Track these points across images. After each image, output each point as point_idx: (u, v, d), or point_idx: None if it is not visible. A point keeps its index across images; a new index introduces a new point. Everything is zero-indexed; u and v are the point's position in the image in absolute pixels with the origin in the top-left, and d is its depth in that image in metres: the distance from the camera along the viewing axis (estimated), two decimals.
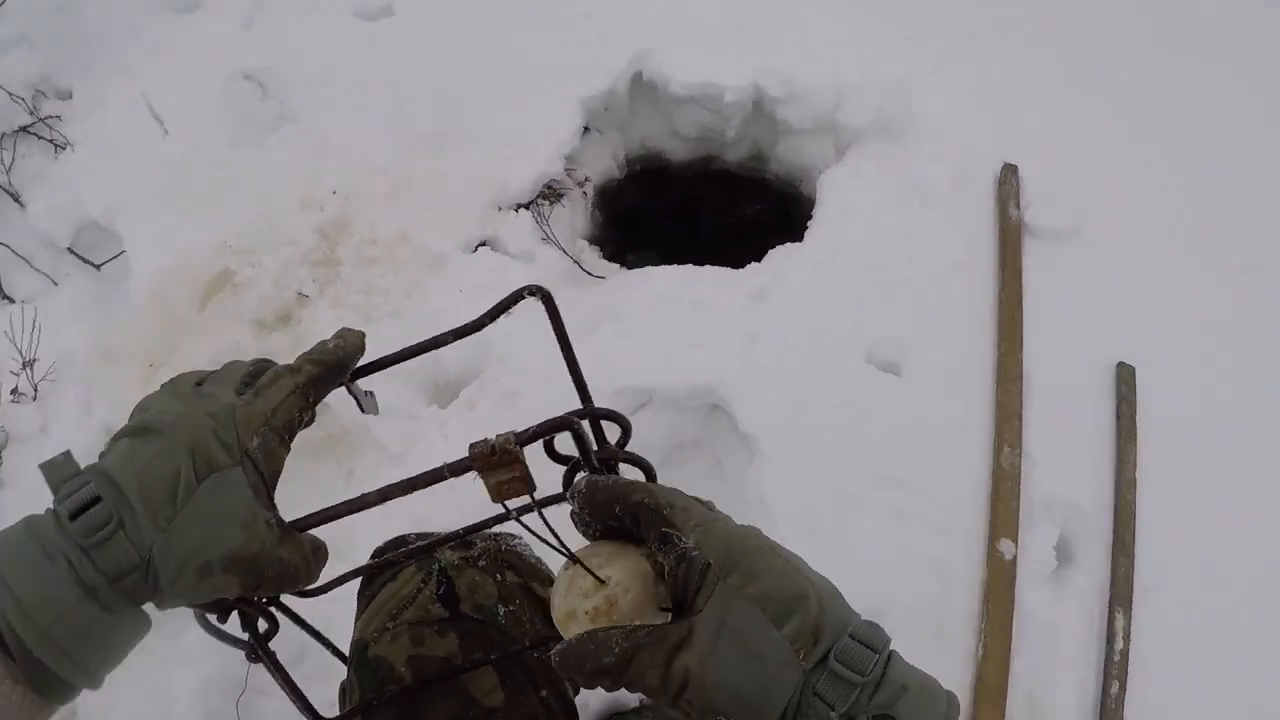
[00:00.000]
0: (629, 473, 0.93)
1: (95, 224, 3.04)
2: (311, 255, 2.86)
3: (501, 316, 0.99)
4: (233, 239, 2.89)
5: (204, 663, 2.28)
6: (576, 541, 0.86)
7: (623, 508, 0.80)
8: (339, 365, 0.89)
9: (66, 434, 2.69)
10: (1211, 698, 2.19)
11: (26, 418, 2.76)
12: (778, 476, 2.39)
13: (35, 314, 2.81)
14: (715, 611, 0.72)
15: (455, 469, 0.85)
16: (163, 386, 0.84)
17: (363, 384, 1.00)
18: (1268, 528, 2.41)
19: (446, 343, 0.95)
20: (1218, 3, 3.56)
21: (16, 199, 3.14)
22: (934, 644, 2.23)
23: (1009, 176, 2.98)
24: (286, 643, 0.98)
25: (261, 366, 0.88)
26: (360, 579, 1.32)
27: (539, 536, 0.85)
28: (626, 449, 0.92)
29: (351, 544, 2.11)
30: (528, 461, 0.84)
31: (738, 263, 2.86)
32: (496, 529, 1.43)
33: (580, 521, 0.85)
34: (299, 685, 0.99)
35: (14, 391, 2.76)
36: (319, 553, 0.87)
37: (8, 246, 3.04)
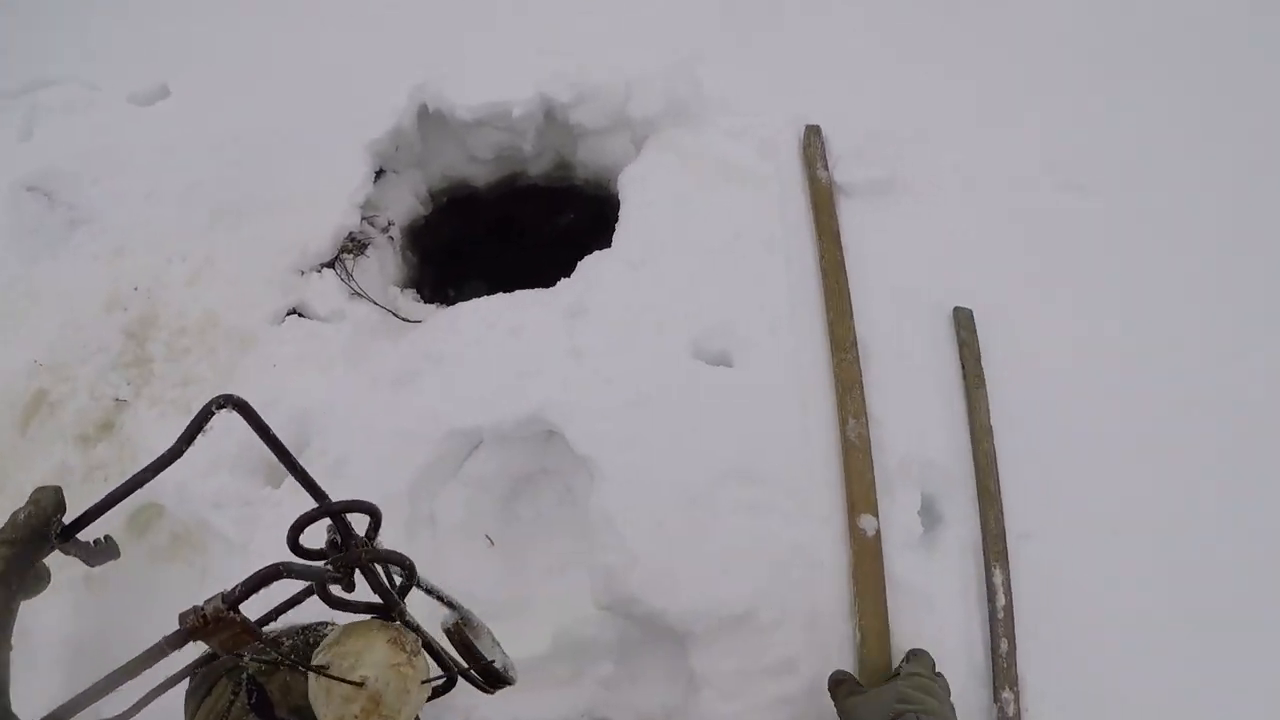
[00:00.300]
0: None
1: None
2: (122, 358, 2.76)
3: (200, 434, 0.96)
4: (42, 355, 2.80)
5: None
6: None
7: None
8: (37, 536, 0.85)
9: None
10: (1100, 640, 2.17)
11: None
12: (621, 492, 2.31)
13: None
14: None
15: (172, 642, 0.83)
16: None
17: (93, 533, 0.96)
18: (1129, 451, 2.41)
19: (148, 479, 0.92)
20: None
21: None
22: (809, 635, 2.16)
23: (813, 138, 2.93)
24: None
25: None
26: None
27: (276, 663, 0.88)
28: (376, 542, 0.91)
29: None
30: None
31: (559, 277, 2.79)
32: (303, 623, 1.43)
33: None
34: None
35: None
36: None
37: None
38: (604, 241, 2.84)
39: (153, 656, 0.84)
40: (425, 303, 3.00)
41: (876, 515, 2.26)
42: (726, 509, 2.29)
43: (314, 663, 0.91)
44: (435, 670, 0.98)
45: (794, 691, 2.13)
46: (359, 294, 2.82)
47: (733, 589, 2.19)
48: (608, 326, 2.59)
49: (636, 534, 2.25)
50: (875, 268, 2.70)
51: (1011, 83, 3.15)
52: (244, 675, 1.28)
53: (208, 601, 0.81)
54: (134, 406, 2.72)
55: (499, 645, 1.07)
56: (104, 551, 0.99)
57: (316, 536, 0.95)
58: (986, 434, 2.41)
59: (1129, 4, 3.36)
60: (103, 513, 0.91)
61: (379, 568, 0.92)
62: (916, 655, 2.00)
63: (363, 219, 2.97)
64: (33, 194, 3.13)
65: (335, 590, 0.91)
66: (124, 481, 0.92)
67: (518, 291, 2.74)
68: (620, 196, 2.91)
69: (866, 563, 2.19)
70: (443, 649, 1.01)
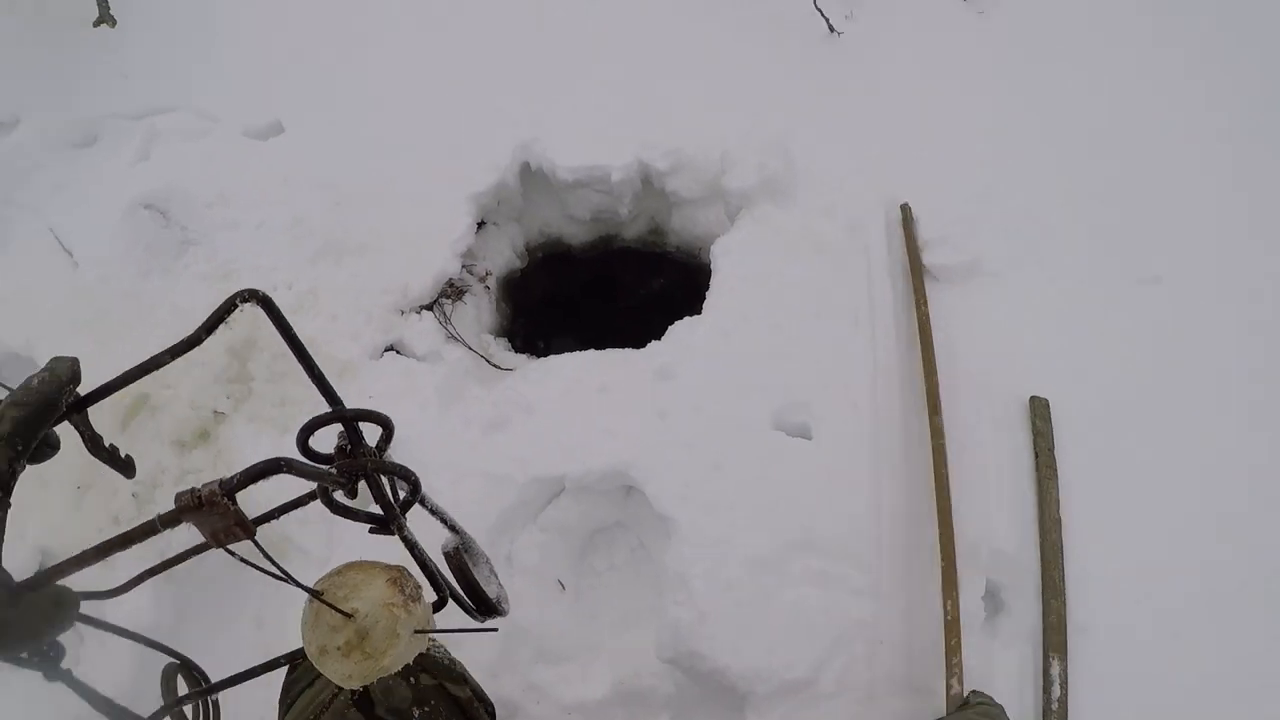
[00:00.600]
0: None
1: (16, 355, 3.06)
2: (225, 373, 2.91)
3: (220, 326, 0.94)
4: None
5: None
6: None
7: None
8: (46, 404, 0.83)
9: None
10: None
11: None
12: (696, 553, 2.41)
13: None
14: None
15: (166, 520, 0.83)
16: None
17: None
18: (1200, 552, 2.41)
19: (166, 362, 0.91)
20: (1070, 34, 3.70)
21: None
22: (865, 708, 2.22)
23: (907, 220, 3.02)
24: None
25: None
26: None
27: (269, 573, 0.84)
28: (385, 454, 0.89)
29: None
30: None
31: (646, 339, 2.90)
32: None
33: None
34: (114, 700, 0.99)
35: None
36: (62, 604, 0.84)
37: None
38: (692, 307, 2.95)
39: (146, 531, 0.83)
40: (516, 352, 3.12)
41: (956, 600, 2.30)
42: (795, 577, 2.38)
43: (313, 587, 0.88)
44: (435, 624, 0.94)
45: None
46: (455, 338, 2.95)
47: (795, 655, 2.26)
48: (694, 391, 2.70)
49: (706, 593, 2.35)
50: (954, 350, 2.77)
51: (1096, 175, 3.21)
52: None
53: (205, 485, 0.80)
54: (231, 420, 2.86)
55: (496, 577, 1.02)
56: (116, 457, 0.94)
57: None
58: (1055, 526, 2.46)
59: (1211, 101, 3.42)
60: (114, 391, 0.90)
61: (384, 480, 0.89)
62: (979, 692, 2.08)
63: (463, 267, 3.12)
64: (149, 212, 3.30)
65: (338, 496, 0.88)
66: (141, 362, 0.90)
67: (609, 350, 2.85)
68: (712, 266, 3.02)
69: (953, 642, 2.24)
70: (438, 570, 0.98)
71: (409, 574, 0.93)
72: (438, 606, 0.97)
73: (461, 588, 1.00)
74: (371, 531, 0.93)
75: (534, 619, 2.50)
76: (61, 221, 3.39)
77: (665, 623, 2.37)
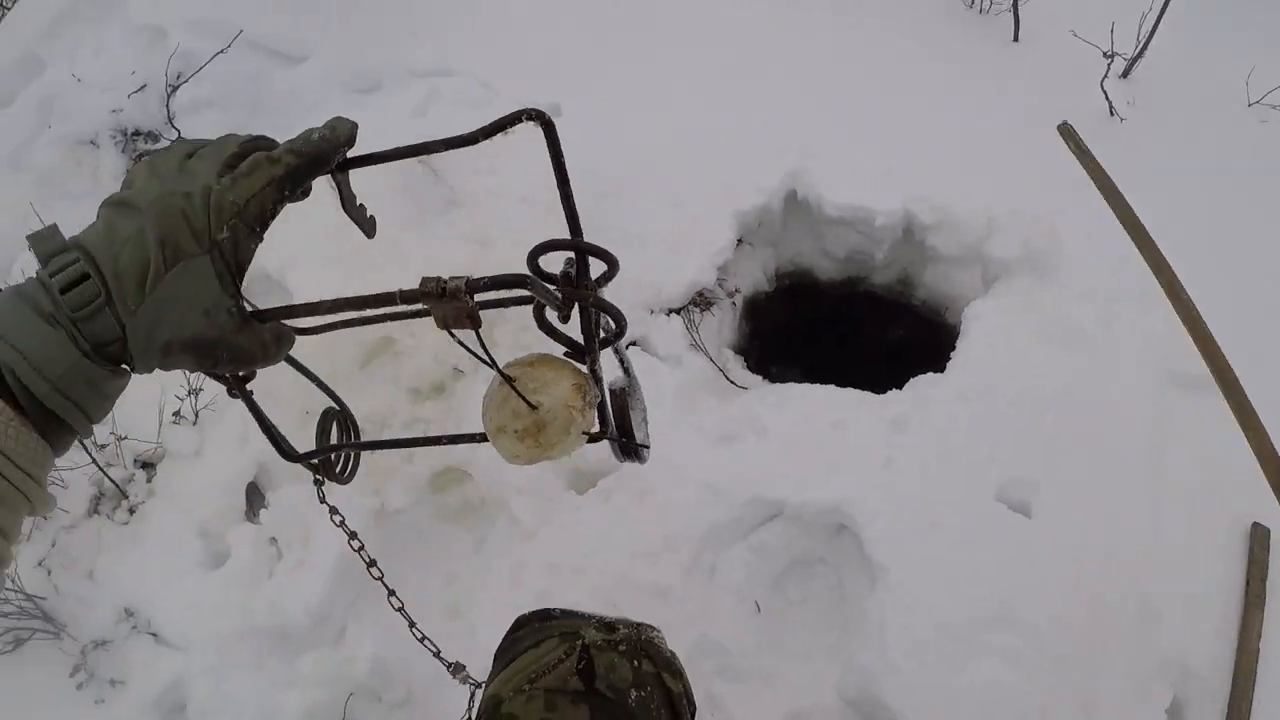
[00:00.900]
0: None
1: (268, 276, 3.24)
2: (470, 337, 3.00)
3: (499, 134, 0.95)
4: None
5: (313, 689, 2.48)
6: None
7: None
8: (320, 158, 0.87)
9: (219, 458, 2.95)
10: None
11: (184, 439, 3.01)
12: (897, 604, 2.44)
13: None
14: None
15: (406, 296, 0.89)
16: (154, 157, 0.88)
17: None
18: None
19: (438, 150, 0.93)
20: None
21: None
22: None
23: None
24: None
25: (248, 148, 0.88)
26: None
27: (478, 357, 0.92)
28: (600, 293, 0.91)
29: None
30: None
31: (876, 385, 2.93)
32: (637, 620, 1.53)
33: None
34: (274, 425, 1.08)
35: (176, 414, 3.03)
36: (281, 340, 0.92)
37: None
38: (928, 364, 2.98)
39: (383, 300, 0.89)
40: (750, 372, 3.13)
41: None
42: (988, 650, 2.37)
43: (506, 371, 0.95)
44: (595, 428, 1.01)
45: None
46: (698, 346, 3.00)
47: None
48: (924, 447, 2.72)
49: (899, 646, 2.38)
50: (1184, 463, 2.71)
51: None
52: (580, 640, 1.41)
53: (454, 278, 0.85)
54: (470, 380, 2.95)
55: (647, 424, 1.09)
56: (363, 214, 1.00)
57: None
58: (1253, 657, 2.40)
59: None
60: (383, 161, 0.94)
61: (595, 314, 0.92)
62: None
63: (716, 280, 3.16)
64: (423, 167, 3.42)
65: (550, 316, 0.92)
66: (412, 144, 0.93)
67: (847, 389, 2.90)
68: (962, 328, 3.04)
69: None
70: (607, 406, 1.03)
71: (592, 382, 0.98)
72: (595, 438, 1.02)
73: (617, 425, 1.06)
74: (565, 355, 0.98)
75: (725, 634, 2.56)
76: None
77: (854, 664, 2.42)
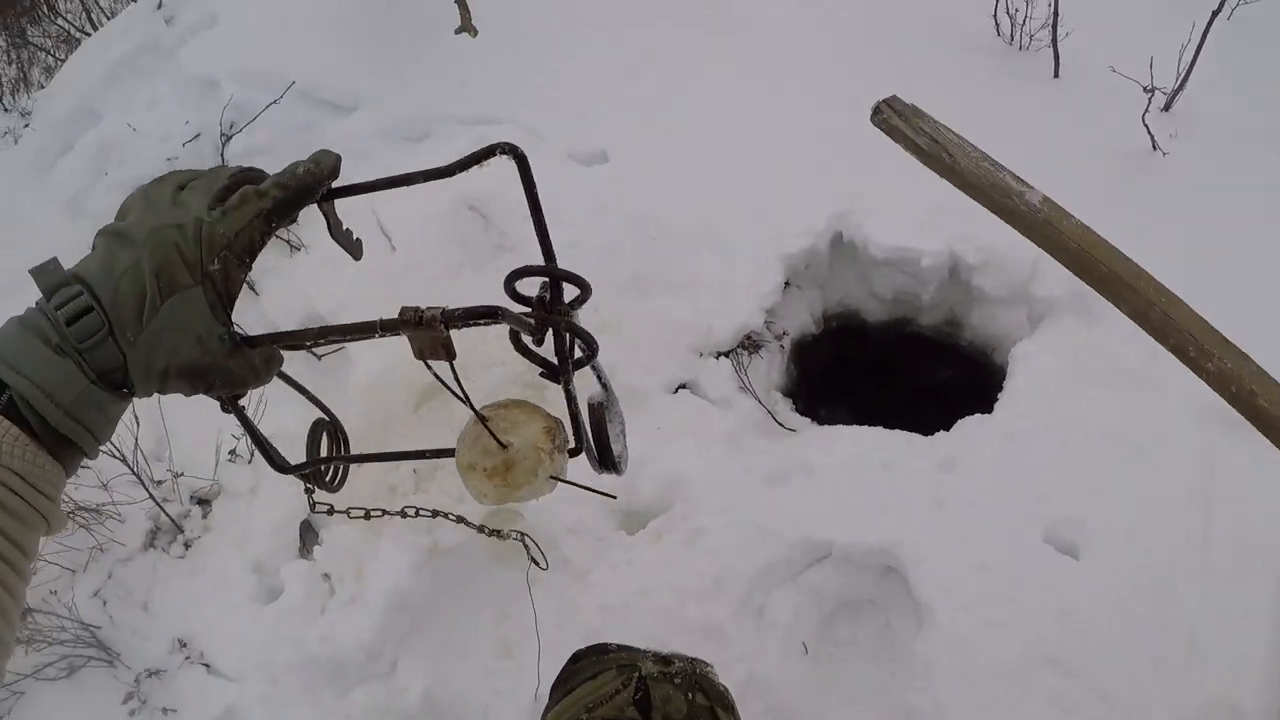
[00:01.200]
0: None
1: (320, 318, 3.31)
2: (522, 377, 3.05)
3: (475, 167, 0.99)
4: None
5: None
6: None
7: None
8: (306, 191, 0.92)
9: (273, 496, 3.05)
10: None
11: (240, 477, 3.15)
12: (946, 645, 2.47)
13: (263, 390, 3.07)
14: None
15: (386, 325, 0.93)
16: (149, 187, 0.92)
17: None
18: None
19: (417, 181, 0.98)
20: None
21: (252, 288, 3.52)
22: None
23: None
24: None
25: (238, 180, 0.92)
26: None
27: (453, 391, 0.97)
28: (574, 316, 0.96)
29: None
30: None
31: (924, 426, 2.96)
32: (691, 655, 1.56)
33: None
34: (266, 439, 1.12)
35: (232, 453, 3.15)
36: (270, 362, 0.97)
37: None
38: (974, 405, 2.99)
39: (364, 330, 0.94)
40: (799, 414, 3.15)
41: None
42: (1035, 692, 2.39)
43: (481, 410, 1.01)
44: (566, 476, 1.05)
45: None
46: (746, 389, 3.03)
47: None
48: (973, 487, 2.75)
49: (948, 688, 2.42)
50: (1228, 503, 2.69)
51: None
52: (637, 673, 1.44)
53: (430, 309, 0.90)
54: None
55: (624, 439, 1.10)
56: (349, 238, 1.04)
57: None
58: None
59: None
60: (366, 192, 0.99)
61: (568, 337, 0.96)
62: None
63: (765, 323, 3.19)
64: (473, 213, 3.48)
65: (525, 339, 0.96)
66: (385, 177, 0.98)
67: (896, 430, 2.93)
68: (1009, 368, 3.05)
69: None
70: (584, 423, 1.05)
71: (563, 427, 1.03)
72: (574, 453, 1.06)
73: (595, 436, 1.06)
74: (541, 375, 1.01)
75: (773, 673, 2.60)
76: (383, 206, 3.62)
77: (902, 704, 2.46)
